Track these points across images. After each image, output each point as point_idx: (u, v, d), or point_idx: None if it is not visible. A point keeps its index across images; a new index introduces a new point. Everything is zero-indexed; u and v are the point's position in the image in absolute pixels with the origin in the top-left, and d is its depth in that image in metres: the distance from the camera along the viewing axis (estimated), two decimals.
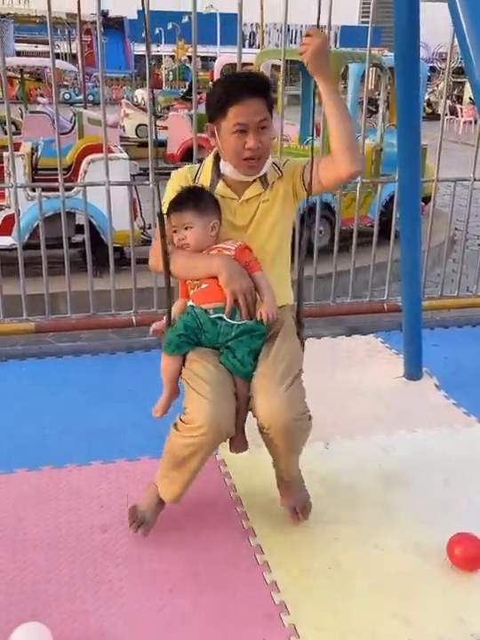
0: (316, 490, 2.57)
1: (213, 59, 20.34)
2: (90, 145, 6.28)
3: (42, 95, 14.66)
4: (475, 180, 4.29)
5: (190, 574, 2.14)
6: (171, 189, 2.21)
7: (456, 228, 7.24)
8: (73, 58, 18.67)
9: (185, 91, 15.94)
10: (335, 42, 35.34)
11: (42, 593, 2.05)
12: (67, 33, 17.16)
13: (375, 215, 4.59)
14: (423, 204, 4.99)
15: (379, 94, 8.81)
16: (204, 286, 2.12)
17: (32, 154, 6.23)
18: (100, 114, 3.81)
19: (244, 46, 4.07)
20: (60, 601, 2.02)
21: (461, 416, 3.17)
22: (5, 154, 5.47)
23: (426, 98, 20.31)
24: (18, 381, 3.44)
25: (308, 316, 4.35)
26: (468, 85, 2.55)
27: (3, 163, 5.76)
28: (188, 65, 24.87)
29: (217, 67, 11.02)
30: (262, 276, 2.13)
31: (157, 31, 30.03)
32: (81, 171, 5.76)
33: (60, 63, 11.73)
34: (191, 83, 4.04)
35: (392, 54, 3.00)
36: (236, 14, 3.70)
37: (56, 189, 3.82)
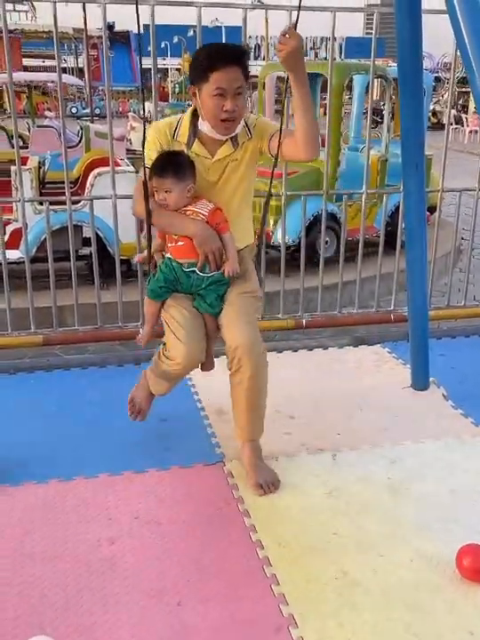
0: (324, 500, 2.56)
1: None
2: (96, 158, 6.32)
3: (49, 109, 14.79)
4: None
5: (198, 587, 2.13)
6: (151, 142, 2.53)
7: (462, 238, 7.24)
8: (80, 72, 18.85)
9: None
10: (340, 53, 35.56)
11: (49, 606, 2.05)
12: (73, 47, 17.33)
13: (381, 225, 4.60)
14: (429, 213, 5.00)
15: (383, 105, 8.85)
16: (180, 243, 2.53)
17: (39, 168, 6.27)
18: (107, 127, 3.84)
19: (250, 59, 4.08)
20: (68, 614, 2.01)
21: (469, 426, 3.16)
22: (13, 168, 5.52)
23: (431, 108, 20.31)
24: (26, 394, 3.45)
25: (315, 326, 4.38)
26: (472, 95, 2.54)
27: (10, 177, 5.80)
28: None
29: None
30: (229, 238, 2.53)
31: (163, 45, 30.27)
32: (88, 184, 5.79)
33: (66, 77, 11.84)
34: None
35: (396, 65, 3.01)
36: (241, 27, 3.73)
37: (63, 203, 3.85)
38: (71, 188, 3.99)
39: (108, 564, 2.22)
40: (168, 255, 2.61)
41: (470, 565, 2.14)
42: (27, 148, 8.28)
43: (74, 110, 23.07)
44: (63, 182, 3.79)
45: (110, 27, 21.64)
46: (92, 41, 14.79)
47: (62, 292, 4.13)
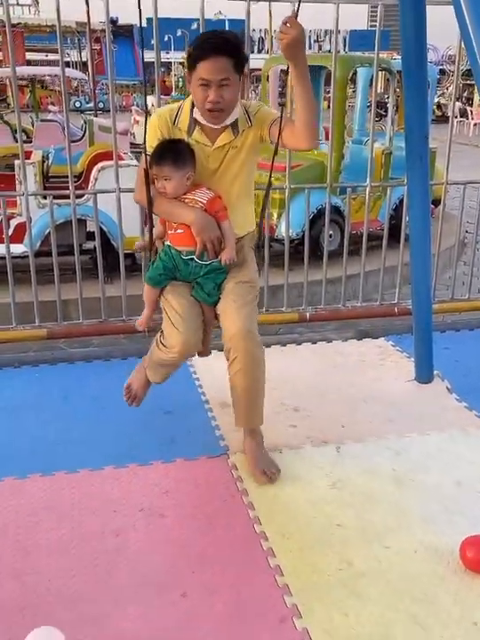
0: (329, 492, 2.57)
1: None
2: (100, 152, 6.32)
3: (52, 103, 14.78)
4: None
5: (202, 578, 2.14)
6: (152, 129, 2.52)
7: (466, 231, 7.21)
8: (83, 66, 18.80)
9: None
10: (344, 46, 35.40)
11: (55, 597, 2.06)
12: (76, 41, 17.27)
13: (385, 218, 4.59)
14: (433, 206, 4.99)
15: (388, 98, 8.82)
16: (179, 231, 2.55)
17: (43, 162, 6.27)
18: (111, 121, 3.84)
19: (252, 52, 4.08)
20: (74, 605, 2.03)
21: (473, 419, 3.16)
22: (17, 162, 5.53)
23: (435, 100, 20.27)
24: (30, 387, 3.46)
25: (319, 319, 4.38)
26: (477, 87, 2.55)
27: (14, 171, 5.80)
28: None
29: None
30: (228, 226, 2.55)
31: (166, 38, 30.15)
32: (91, 178, 5.80)
33: (69, 71, 11.81)
34: None
35: (400, 57, 3.00)
36: (245, 21, 3.72)
37: (67, 197, 3.85)
38: (75, 182, 4.00)
39: (114, 556, 2.23)
40: (167, 242, 2.63)
41: (474, 557, 2.15)
42: (30, 142, 8.27)
43: (77, 104, 23.02)
44: (67, 176, 3.80)
45: (113, 21, 21.57)
46: (96, 35, 14.70)
47: (66, 286, 4.13)
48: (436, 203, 5.23)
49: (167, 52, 31.12)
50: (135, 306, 4.03)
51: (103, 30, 13.98)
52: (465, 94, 23.99)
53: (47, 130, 8.70)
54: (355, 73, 7.19)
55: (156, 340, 2.67)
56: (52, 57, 20.69)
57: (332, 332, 4.22)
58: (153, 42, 3.59)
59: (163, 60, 20.97)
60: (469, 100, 23.32)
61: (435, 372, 3.51)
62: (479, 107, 21.34)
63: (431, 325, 3.46)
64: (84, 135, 8.45)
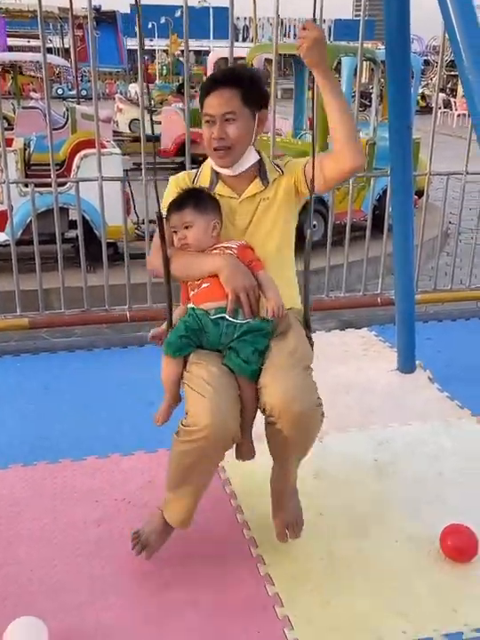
0: (311, 483, 2.58)
1: (207, 53, 20.31)
2: (82, 140, 6.25)
3: (34, 90, 14.60)
4: (468, 173, 4.29)
5: (184, 568, 2.15)
6: (169, 194, 2.19)
7: (449, 222, 7.25)
8: (65, 52, 18.62)
9: (178, 84, 15.91)
10: (329, 35, 35.29)
11: (37, 587, 2.06)
12: (59, 27, 17.10)
13: (368, 209, 4.59)
14: (416, 197, 5.00)
15: (372, 88, 8.82)
16: (204, 286, 2.05)
17: (24, 149, 6.21)
18: (93, 109, 3.80)
19: (237, 40, 4.04)
20: (55, 595, 2.02)
21: (455, 409, 3.19)
22: None
23: (420, 91, 20.29)
24: (12, 377, 3.44)
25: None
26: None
27: None
28: (181, 59, 24.79)
29: (210, 61, 10.98)
30: (266, 275, 2.07)
31: (150, 25, 29.91)
32: (74, 166, 5.74)
33: (52, 58, 11.69)
34: (184, 77, 4.03)
35: (384, 48, 2.99)
36: (228, 8, 3.69)
37: (49, 185, 3.81)
38: (57, 170, 3.96)
39: (96, 546, 2.23)
40: (190, 305, 2.09)
41: (453, 545, 2.18)
42: (12, 129, 8.19)
43: (60, 91, 22.80)
44: (49, 164, 3.76)
45: (96, 8, 21.37)
46: (78, 21, 14.59)
47: (48, 274, 4.10)
48: (420, 193, 5.25)
49: (151, 40, 30.88)
50: (118, 295, 4.03)
51: (86, 16, 13.86)
52: (449, 85, 24.08)
53: (29, 117, 8.64)
54: (339, 63, 7.17)
55: (174, 437, 1.98)
56: (34, 43, 20.46)
57: (315, 323, 4.18)
58: (136, 29, 3.55)
59: (146, 48, 20.78)
60: (453, 92, 23.39)
61: (417, 362, 3.53)
62: (463, 98, 21.40)
63: (414, 316, 3.48)
64: (66, 123, 8.40)
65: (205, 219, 2.06)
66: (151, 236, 3.84)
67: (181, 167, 3.24)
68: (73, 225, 5.65)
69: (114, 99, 15.97)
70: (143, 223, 5.32)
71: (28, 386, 3.33)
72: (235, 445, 2.06)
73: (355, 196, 4.46)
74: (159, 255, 2.08)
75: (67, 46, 18.93)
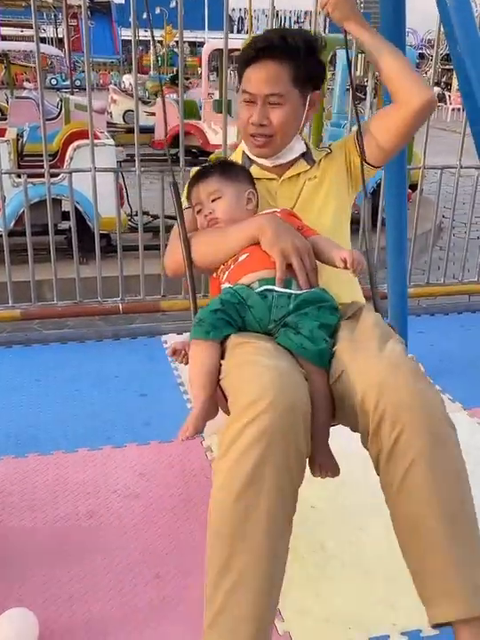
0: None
1: (201, 44, 20.19)
2: (76, 131, 6.22)
3: (28, 80, 14.53)
4: (462, 167, 4.29)
5: (176, 560, 2.15)
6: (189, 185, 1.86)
7: (443, 216, 7.25)
8: (59, 42, 18.49)
9: (172, 76, 15.84)
10: (324, 28, 35.17)
11: (27, 579, 2.05)
12: (53, 17, 16.97)
13: (362, 202, 4.58)
14: (410, 191, 4.99)
15: (367, 81, 8.80)
16: (242, 258, 1.60)
17: (17, 140, 6.17)
18: (87, 99, 3.77)
19: (232, 32, 4.02)
20: (46, 587, 2.02)
21: (446, 402, 3.17)
22: None
23: None
24: (4, 369, 3.43)
25: None
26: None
27: None
28: (175, 50, 24.67)
29: (205, 52, 10.93)
30: (323, 238, 1.65)
31: (145, 16, 29.67)
32: (67, 157, 5.71)
33: (45, 48, 11.61)
34: (178, 68, 4.01)
35: None
36: None
37: (42, 176, 3.79)
38: (50, 160, 3.93)
39: (87, 538, 2.23)
40: (224, 286, 1.63)
41: None
42: (5, 119, 8.14)
43: (53, 82, 22.67)
44: (42, 155, 3.74)
45: None
46: (72, 10, 14.50)
47: (41, 266, 4.08)
48: (413, 187, 5.24)
49: (145, 30, 30.67)
50: (111, 287, 4.02)
51: (80, 6, 13.77)
52: (443, 79, 24.05)
53: (22, 107, 8.58)
54: (334, 55, 7.16)
55: (223, 458, 1.32)
56: (27, 32, 20.30)
57: None
58: (131, 19, 3.53)
59: (141, 39, 20.64)
60: (448, 85, 23.38)
61: (409, 356, 3.53)
62: (457, 92, 21.38)
63: (406, 309, 3.48)
64: (59, 113, 8.35)
65: (236, 187, 1.69)
66: (144, 228, 3.87)
67: (176, 159, 3.22)
68: (66, 216, 5.62)
69: (108, 89, 15.90)
70: (136, 215, 5.31)
71: (20, 377, 3.32)
72: (308, 459, 1.49)
73: None
74: (177, 250, 1.72)
75: (60, 36, 18.79)
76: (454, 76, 20.35)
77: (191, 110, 10.61)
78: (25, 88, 12.31)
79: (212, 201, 1.70)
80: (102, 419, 2.94)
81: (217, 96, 10.75)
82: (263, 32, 1.86)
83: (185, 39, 3.79)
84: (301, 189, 1.82)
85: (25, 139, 6.66)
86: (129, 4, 3.53)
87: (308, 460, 1.47)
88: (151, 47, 29.23)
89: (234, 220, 1.67)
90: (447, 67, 21.20)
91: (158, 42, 29.27)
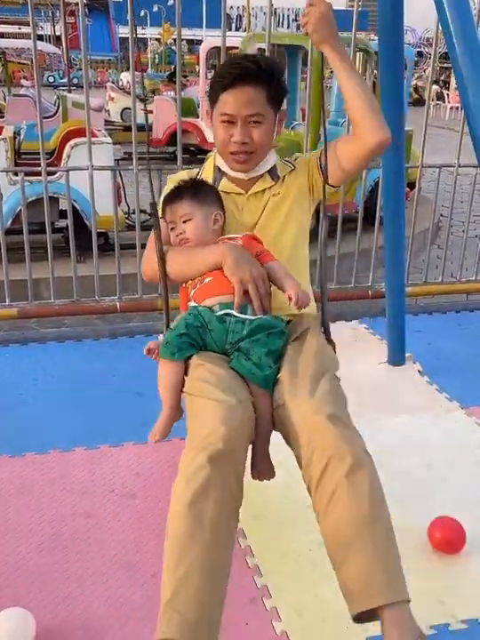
0: (298, 474, 2.57)
1: (199, 42, 20.17)
2: (73, 129, 6.22)
3: (25, 78, 14.50)
4: (460, 166, 4.29)
5: None
6: (166, 191, 2.02)
7: (441, 214, 7.26)
8: (57, 40, 18.46)
9: (169, 73, 15.84)
10: None
11: (25, 579, 2.05)
12: (50, 14, 16.94)
13: (360, 201, 4.58)
14: (408, 189, 5.00)
15: (365, 79, 8.78)
16: (207, 280, 1.83)
17: (14, 138, 6.16)
18: (84, 97, 3.76)
19: (230, 30, 4.02)
20: (44, 587, 2.02)
21: (444, 401, 3.20)
22: None
23: (413, 83, 20.27)
24: (0, 367, 3.42)
25: None
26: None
27: None
28: (173, 48, 24.64)
29: (202, 50, 10.92)
30: (278, 264, 1.85)
31: (143, 13, 29.67)
32: (64, 155, 5.71)
33: (43, 45, 11.58)
34: (176, 66, 4.00)
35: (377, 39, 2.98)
36: None
37: (39, 174, 3.78)
38: (47, 158, 3.93)
39: (84, 537, 2.22)
40: (191, 303, 1.88)
41: (441, 537, 2.18)
42: (2, 117, 8.12)
43: (51, 79, 22.64)
44: (39, 153, 3.73)
45: None
46: (70, 8, 14.48)
47: (38, 264, 4.08)
48: (412, 186, 5.25)
49: (143, 28, 30.64)
50: (108, 286, 4.01)
51: (77, 3, 13.75)
52: (442, 77, 24.06)
53: (19, 105, 8.57)
54: None
55: (175, 483, 1.59)
56: (25, 30, 20.28)
57: None
58: (128, 17, 3.52)
59: (138, 36, 20.62)
60: (446, 84, 23.40)
61: (407, 355, 3.54)
62: (456, 90, 21.39)
63: (404, 308, 3.48)
64: (57, 111, 8.33)
65: (205, 210, 1.89)
66: (142, 226, 3.86)
67: (173, 157, 3.21)
68: (63, 214, 5.62)
69: (105, 87, 15.87)
70: (134, 213, 5.30)
71: (17, 376, 3.32)
72: (251, 463, 1.77)
73: (347, 188, 4.45)
74: (153, 258, 1.91)
75: (58, 33, 18.77)
76: (452, 74, 20.38)
77: (189, 108, 10.60)
78: (22, 86, 12.28)
79: (184, 222, 1.90)
80: (99, 418, 2.93)
81: None
82: (231, 59, 2.00)
83: (183, 37, 3.78)
84: (265, 205, 1.99)
85: (22, 137, 6.65)
86: (126, 1, 3.52)
87: (250, 465, 1.76)
88: (148, 45, 29.22)
89: (201, 239, 1.89)
90: (445, 65, 21.20)
91: (156, 40, 29.26)
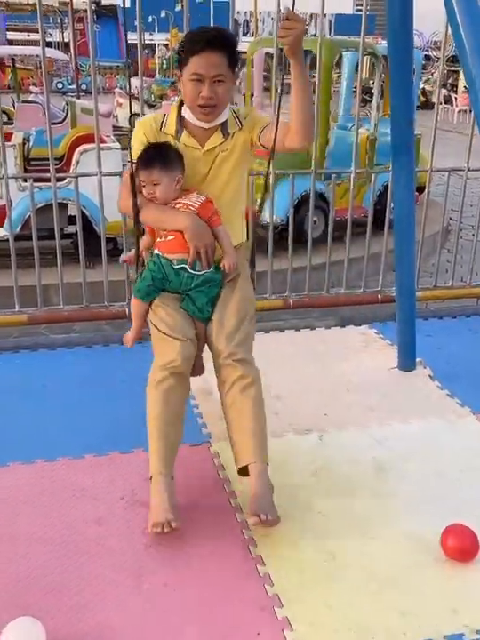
0: (310, 481, 2.57)
1: None
2: (82, 135, 6.23)
3: (34, 84, 14.56)
4: (469, 169, 4.27)
5: (184, 567, 2.13)
6: (137, 139, 2.47)
7: (450, 218, 7.22)
8: (65, 46, 18.55)
9: (175, 79, 15.88)
10: (330, 30, 35.16)
11: (35, 587, 2.04)
12: (59, 21, 17.02)
13: (369, 205, 4.57)
14: (417, 193, 4.98)
15: (373, 83, 8.78)
16: (170, 238, 2.41)
17: (24, 144, 6.18)
18: (93, 103, 3.77)
19: (238, 35, 4.01)
20: (55, 595, 2.01)
21: (455, 407, 3.17)
22: None
23: (420, 86, 20.21)
24: (11, 374, 3.42)
25: (302, 306, 4.36)
26: (462, 74, 2.55)
27: None
28: None
29: None
30: (223, 231, 2.43)
31: (151, 19, 29.78)
32: (73, 161, 5.72)
33: (51, 52, 11.62)
34: None
35: (386, 42, 2.97)
36: (229, 2, 3.67)
37: (48, 180, 3.79)
38: (56, 164, 3.93)
39: (94, 545, 2.21)
40: (156, 251, 2.47)
41: (454, 545, 2.16)
42: (11, 123, 8.14)
43: (60, 86, 22.71)
44: (48, 159, 3.73)
45: (97, 1, 21.31)
46: (78, 14, 14.54)
47: (47, 270, 4.08)
48: (421, 190, 5.23)
49: (151, 34, 30.73)
50: (117, 291, 4.01)
51: (86, 10, 13.79)
52: (450, 81, 23.98)
53: (28, 111, 8.57)
54: (340, 57, 7.14)
55: (149, 381, 2.37)
56: (34, 37, 20.38)
57: (315, 319, 4.21)
58: (136, 23, 3.52)
59: (146, 42, 20.68)
60: (454, 87, 23.30)
61: (417, 360, 3.51)
62: (464, 93, 21.31)
63: (414, 313, 3.46)
64: (65, 117, 8.34)
65: (171, 176, 2.37)
66: None
67: None
68: (72, 220, 5.62)
69: (114, 93, 15.90)
70: None
71: (27, 383, 3.31)
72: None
73: (356, 192, 4.44)
74: (129, 199, 2.40)
75: (67, 40, 18.85)
76: (460, 77, 20.30)
77: None
78: (31, 92, 12.32)
79: (154, 185, 2.38)
80: (108, 424, 2.92)
81: None
82: (199, 29, 2.39)
83: None
84: (215, 159, 2.45)
85: (31, 143, 6.66)
86: (135, 7, 3.53)
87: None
88: (156, 50, 29.29)
89: (167, 198, 2.40)
90: (453, 68, 21.13)
91: (164, 45, 29.35)
